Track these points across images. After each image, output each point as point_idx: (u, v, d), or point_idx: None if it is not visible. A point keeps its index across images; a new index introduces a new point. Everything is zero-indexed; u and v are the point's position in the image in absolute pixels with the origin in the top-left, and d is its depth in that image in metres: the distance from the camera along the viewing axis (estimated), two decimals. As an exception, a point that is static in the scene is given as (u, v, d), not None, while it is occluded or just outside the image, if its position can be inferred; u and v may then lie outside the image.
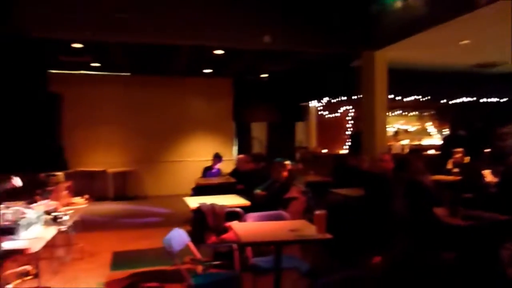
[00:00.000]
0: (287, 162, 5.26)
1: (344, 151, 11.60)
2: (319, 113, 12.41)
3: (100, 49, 8.27)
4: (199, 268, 4.38)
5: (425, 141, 12.56)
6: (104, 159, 10.70)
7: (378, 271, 2.49)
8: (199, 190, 6.98)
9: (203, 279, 3.37)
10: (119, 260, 5.23)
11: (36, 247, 2.72)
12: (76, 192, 5.10)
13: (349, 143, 11.35)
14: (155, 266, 4.83)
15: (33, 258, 4.17)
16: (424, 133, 13.03)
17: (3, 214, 2.85)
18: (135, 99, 10.98)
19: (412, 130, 12.99)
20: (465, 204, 3.75)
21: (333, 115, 12.19)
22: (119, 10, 6.46)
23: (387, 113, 7.96)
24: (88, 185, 9.63)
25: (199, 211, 4.50)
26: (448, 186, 6.19)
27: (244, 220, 3.92)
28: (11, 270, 4.28)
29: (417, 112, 13.03)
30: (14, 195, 3.80)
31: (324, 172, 7.74)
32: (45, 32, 6.61)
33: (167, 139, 11.35)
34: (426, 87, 10.73)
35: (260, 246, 3.95)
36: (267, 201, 4.94)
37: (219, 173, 8.14)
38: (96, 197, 8.05)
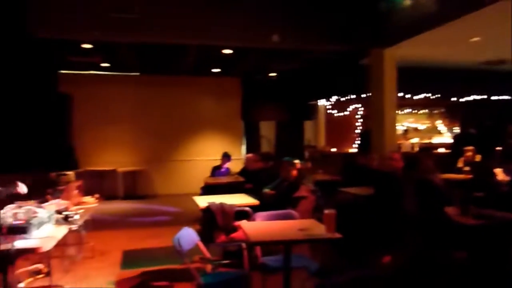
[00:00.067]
0: (296, 161, 5.24)
1: (353, 149, 11.55)
2: (328, 111, 12.37)
3: (109, 50, 8.33)
4: (209, 267, 4.39)
5: (435, 140, 12.45)
6: (114, 159, 10.78)
7: (388, 270, 2.47)
8: (208, 189, 7.00)
9: (212, 278, 3.38)
10: (129, 258, 5.27)
11: (47, 246, 2.75)
12: (87, 192, 5.15)
13: (358, 142, 11.30)
14: (164, 265, 4.85)
15: (44, 256, 4.23)
16: (434, 131, 12.92)
17: (16, 213, 2.88)
18: (144, 99, 11.05)
19: (422, 128, 12.89)
20: (476, 203, 3.71)
21: (342, 113, 12.14)
22: (127, 11, 6.50)
23: (397, 111, 7.90)
24: (98, 184, 9.73)
25: (208, 210, 4.52)
26: (459, 184, 6.12)
27: (253, 219, 3.92)
28: (23, 268, 4.34)
29: (427, 110, 12.93)
30: (25, 194, 3.85)
31: (333, 171, 7.71)
32: (54, 33, 6.68)
33: (176, 139, 11.41)
34: (435, 84, 10.64)
35: (269, 245, 3.94)
36: (276, 200, 4.93)
37: (228, 172, 8.16)
38: (106, 196, 8.12)
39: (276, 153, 11.11)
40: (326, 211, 3.06)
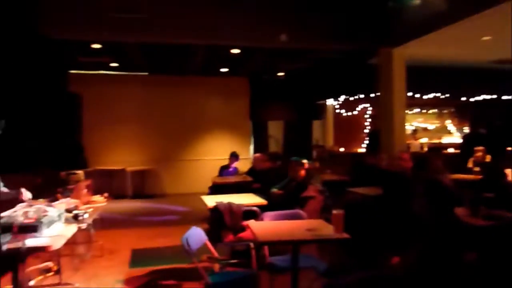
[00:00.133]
0: (304, 161, 5.24)
1: (362, 149, 11.49)
2: (336, 111, 12.32)
3: (118, 50, 8.39)
4: (216, 267, 4.40)
5: (445, 139, 12.34)
6: (123, 158, 10.85)
7: (396, 271, 2.46)
8: (216, 189, 7.02)
9: (220, 277, 3.39)
10: (137, 257, 5.31)
11: (57, 244, 2.77)
12: (96, 191, 5.19)
13: (367, 142, 11.23)
14: (173, 264, 4.88)
15: (54, 255, 4.28)
16: (444, 131, 12.81)
17: (26, 212, 2.91)
18: (153, 99, 11.11)
19: (431, 128, 12.79)
20: (486, 204, 3.68)
21: (351, 113, 12.08)
22: (136, 11, 6.53)
23: (406, 111, 7.84)
24: (107, 183, 9.80)
25: (216, 210, 4.53)
26: (469, 185, 6.06)
27: (261, 219, 3.92)
28: (34, 266, 4.39)
29: (436, 110, 12.82)
30: (36, 193, 3.89)
31: (341, 171, 7.69)
32: (64, 34, 6.75)
33: (184, 138, 11.45)
34: (445, 84, 10.55)
35: (277, 245, 3.94)
36: (284, 200, 4.93)
37: (235, 172, 8.17)
38: (115, 195, 8.19)
39: (284, 153, 11.10)
40: (334, 212, 3.05)
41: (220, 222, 4.44)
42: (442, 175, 3.30)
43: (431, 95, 11.06)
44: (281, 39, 7.07)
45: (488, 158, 7.07)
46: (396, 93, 7.41)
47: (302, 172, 5.12)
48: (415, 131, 12.01)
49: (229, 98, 11.73)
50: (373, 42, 7.48)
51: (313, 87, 11.60)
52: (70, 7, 6.50)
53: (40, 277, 4.32)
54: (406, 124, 8.02)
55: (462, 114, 12.65)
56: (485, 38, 6.88)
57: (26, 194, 3.14)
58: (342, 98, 11.70)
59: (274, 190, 5.29)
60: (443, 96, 11.16)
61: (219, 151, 10.94)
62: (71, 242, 4.85)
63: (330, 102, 12.32)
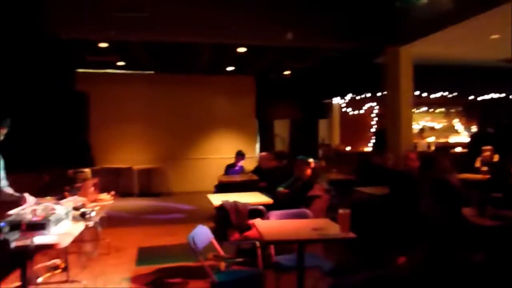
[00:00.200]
0: (310, 160, 5.22)
1: (368, 148, 11.45)
2: (343, 110, 12.28)
3: (125, 49, 8.43)
4: (222, 265, 4.41)
5: (452, 139, 12.26)
6: (130, 156, 10.91)
7: (402, 271, 2.45)
8: (221, 188, 7.03)
9: (226, 276, 3.40)
10: (144, 255, 5.34)
11: (65, 242, 2.79)
12: (102, 189, 5.22)
13: (373, 141, 11.19)
14: (179, 262, 4.90)
15: (62, 252, 4.31)
16: (451, 130, 12.73)
17: (34, 209, 2.94)
18: (159, 97, 11.15)
19: (438, 127, 12.71)
20: (494, 204, 3.65)
21: (357, 112, 12.04)
22: (142, 10, 6.56)
23: (413, 110, 7.80)
24: (114, 181, 9.86)
25: (222, 209, 4.54)
26: (476, 185, 6.03)
27: (267, 218, 3.93)
28: (42, 263, 4.43)
29: (443, 109, 12.74)
30: (44, 191, 3.93)
31: (347, 170, 7.67)
32: (72, 33, 6.79)
33: (190, 137, 11.48)
34: (453, 83, 10.47)
35: (283, 244, 3.94)
36: (290, 199, 4.92)
37: (241, 170, 8.17)
38: (122, 194, 8.22)
39: (290, 152, 11.10)
40: (340, 211, 3.05)
41: (226, 221, 4.46)
42: (449, 174, 3.28)
43: (438, 94, 10.99)
44: (287, 37, 7.07)
45: (496, 157, 7.02)
46: (403, 92, 7.37)
47: (308, 171, 5.11)
48: (422, 130, 11.94)
49: (235, 96, 11.74)
50: (380, 40, 7.45)
51: (319, 86, 11.58)
52: (77, 7, 6.55)
53: (48, 274, 4.36)
54: (413, 123, 7.98)
55: (470, 113, 12.56)
56: (493, 36, 6.82)
57: (29, 200, 3.16)
58: (348, 97, 11.66)
59: (280, 189, 5.29)
60: (450, 95, 11.08)
61: (225, 149, 10.95)
62: (79, 240, 4.89)
63: (336, 101, 12.28)
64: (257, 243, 4.15)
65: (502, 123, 9.84)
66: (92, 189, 4.70)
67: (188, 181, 11.17)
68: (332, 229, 3.17)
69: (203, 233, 3.34)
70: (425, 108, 12.45)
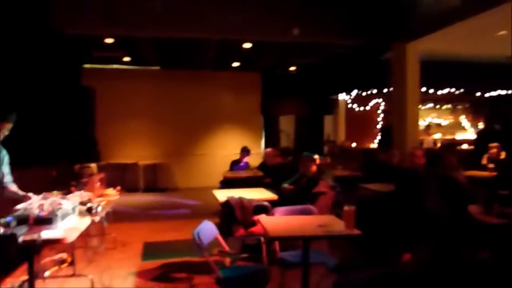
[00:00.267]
0: (315, 156, 5.21)
1: (374, 145, 11.42)
2: (348, 106, 12.24)
3: (131, 44, 8.44)
4: (227, 261, 4.43)
5: (459, 136, 12.19)
6: (135, 152, 10.96)
7: (408, 268, 2.45)
8: (227, 183, 7.05)
9: (231, 271, 3.41)
10: (150, 250, 5.37)
11: (71, 236, 2.81)
12: (108, 184, 5.25)
13: (379, 137, 11.16)
14: (184, 258, 4.92)
15: (69, 246, 4.35)
16: (458, 127, 12.66)
17: (41, 204, 2.96)
18: (165, 93, 11.17)
19: (445, 124, 12.63)
20: (500, 202, 3.63)
21: (363, 108, 11.99)
22: (149, 6, 6.56)
23: (419, 106, 7.76)
24: (120, 177, 9.91)
25: (227, 205, 4.55)
26: (483, 182, 5.98)
27: (272, 214, 3.93)
28: (49, 257, 4.47)
29: (450, 105, 12.67)
30: (51, 186, 3.95)
31: (352, 167, 7.64)
32: (78, 29, 6.80)
33: (196, 133, 11.51)
34: (460, 79, 10.40)
35: (288, 241, 3.95)
36: (295, 195, 4.92)
37: (246, 166, 8.18)
38: (127, 189, 8.26)
39: (295, 148, 11.10)
40: (345, 208, 3.05)
41: (231, 217, 4.47)
42: (455, 172, 3.27)
43: (445, 91, 10.92)
44: (293, 33, 7.04)
45: (502, 154, 6.96)
46: (410, 89, 7.33)
47: (313, 168, 5.10)
48: (428, 127, 11.89)
49: (241, 92, 11.73)
50: (387, 36, 7.40)
51: (325, 82, 11.54)
52: (83, 3, 6.56)
53: (55, 268, 4.40)
54: (419, 119, 7.93)
55: (476, 109, 12.48)
56: (501, 33, 6.75)
57: (34, 199, 3.18)
58: (354, 93, 11.62)
59: (285, 185, 5.29)
60: (457, 92, 11.01)
61: (231, 145, 10.97)
62: (85, 235, 4.93)
63: (342, 97, 12.24)
64: (262, 239, 4.16)
65: (509, 120, 9.76)
66: (98, 184, 4.72)
67: (193, 176, 11.20)
68: (337, 225, 3.16)
69: (208, 229, 3.35)
70: (431, 105, 12.38)
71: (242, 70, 11.38)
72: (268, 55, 9.58)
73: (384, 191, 5.06)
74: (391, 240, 3.48)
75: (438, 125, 12.50)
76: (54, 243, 2.88)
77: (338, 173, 7.03)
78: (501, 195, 3.76)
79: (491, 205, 3.57)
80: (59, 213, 2.92)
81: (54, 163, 6.66)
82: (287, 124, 12.81)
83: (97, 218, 3.68)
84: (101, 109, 10.52)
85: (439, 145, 10.94)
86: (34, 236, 2.62)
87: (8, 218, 2.69)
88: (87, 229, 3.67)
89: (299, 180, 5.23)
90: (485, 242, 2.72)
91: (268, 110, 12.02)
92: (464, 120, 12.71)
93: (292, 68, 11.42)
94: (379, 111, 11.81)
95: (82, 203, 3.54)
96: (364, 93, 11.39)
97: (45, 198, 3.15)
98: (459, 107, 12.69)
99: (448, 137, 11.95)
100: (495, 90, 11.20)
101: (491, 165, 6.77)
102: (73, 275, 4.31)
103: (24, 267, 3.19)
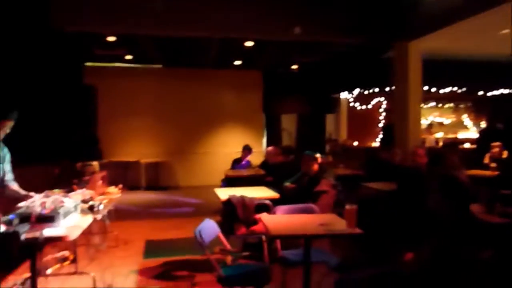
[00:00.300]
0: (317, 155, 5.21)
1: (376, 144, 11.40)
2: (350, 105, 12.23)
3: (133, 42, 8.45)
4: (229, 259, 4.44)
5: (461, 134, 12.17)
6: (137, 150, 10.97)
7: (409, 267, 2.45)
8: (228, 182, 7.05)
9: (232, 270, 3.42)
10: (151, 248, 5.38)
11: (73, 234, 2.82)
12: (110, 182, 5.25)
13: (381, 136, 11.14)
14: (186, 256, 4.93)
15: (71, 244, 4.36)
16: (460, 126, 12.63)
17: (44, 202, 2.97)
18: (167, 91, 11.17)
19: (447, 122, 12.61)
20: (502, 201, 3.62)
21: (365, 107, 11.98)
22: (150, 4, 6.56)
23: (421, 105, 7.74)
24: (122, 175, 9.92)
25: (229, 203, 4.55)
26: (485, 181, 5.97)
27: (274, 213, 3.93)
28: (51, 255, 4.49)
29: (452, 104, 12.64)
30: (53, 184, 3.96)
31: (354, 165, 7.64)
32: (80, 27, 6.81)
33: (198, 131, 11.51)
34: (462, 78, 10.38)
35: (289, 239, 3.95)
36: (296, 194, 4.93)
37: (248, 165, 8.18)
38: (129, 187, 8.26)
39: (297, 147, 11.10)
40: (347, 207, 3.05)
41: (233, 215, 4.47)
42: (457, 171, 3.26)
43: (447, 89, 10.89)
44: (295, 32, 7.03)
45: (505, 154, 6.95)
46: (412, 87, 7.32)
47: (315, 166, 5.09)
48: (430, 126, 11.86)
49: (243, 91, 11.73)
50: (389, 35, 7.39)
51: (327, 81, 11.53)
52: (85, 0, 6.56)
53: (57, 266, 4.42)
54: (421, 118, 7.92)
55: (479, 108, 12.45)
56: (504, 31, 6.72)
57: (36, 198, 3.18)
58: (356, 91, 11.61)
59: (287, 184, 5.29)
60: (460, 90, 10.98)
61: (232, 144, 10.97)
62: (87, 232, 4.94)
63: (344, 95, 12.23)
64: (264, 238, 4.16)
65: (511, 119, 9.74)
66: (100, 182, 4.73)
67: (195, 175, 11.21)
68: (339, 224, 3.17)
69: (210, 227, 3.35)
70: (433, 103, 12.36)
71: (244, 69, 11.39)
72: (270, 54, 9.57)
73: (386, 190, 5.06)
74: (392, 239, 3.48)
75: (440, 124, 12.48)
76: (56, 241, 2.89)
77: (339, 172, 7.03)
78: (503, 194, 3.75)
79: (493, 204, 3.57)
80: (61, 211, 2.93)
81: (56, 161, 6.67)
82: (289, 123, 12.81)
83: (99, 216, 3.69)
84: (103, 107, 10.53)
85: (441, 144, 10.92)
86: (37, 234, 2.63)
87: (11, 216, 2.70)
88: (89, 227, 3.67)
89: (300, 178, 5.23)
90: (487, 242, 2.72)
91: (270, 108, 12.02)
92: (466, 119, 12.69)
93: (294, 67, 11.41)
94: (381, 110, 11.79)
95: (84, 201, 3.55)
96: (366, 92, 11.38)
97: (47, 196, 3.16)
98: (461, 106, 12.66)
99: (450, 136, 11.93)
100: (497, 89, 11.17)
101: (493, 164, 6.77)
102: (75, 273, 4.32)
103: (26, 265, 3.20)
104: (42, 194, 3.24)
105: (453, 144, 10.69)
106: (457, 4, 5.87)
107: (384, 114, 11.73)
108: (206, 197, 8.41)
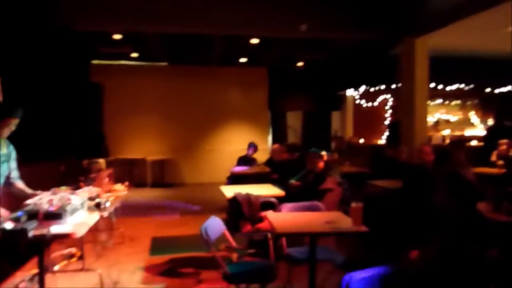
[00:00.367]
0: (323, 153, 5.20)
1: (382, 141, 11.35)
2: (356, 102, 12.18)
3: (139, 40, 8.47)
4: (234, 256, 4.45)
5: (468, 132, 12.07)
6: (143, 147, 11.02)
7: (415, 266, 2.44)
8: (234, 179, 7.06)
9: (238, 267, 3.42)
10: (157, 245, 5.41)
11: (81, 231, 2.84)
12: (116, 179, 5.28)
13: (387, 133, 11.09)
14: (191, 253, 4.95)
15: (78, 241, 4.40)
16: (467, 123, 12.54)
17: (51, 199, 2.99)
18: (172, 89, 11.20)
19: (453, 120, 12.52)
20: (510, 199, 3.59)
21: (371, 104, 11.92)
22: (156, 1, 6.57)
23: (428, 102, 7.69)
24: (128, 172, 9.98)
25: (234, 201, 4.56)
26: (492, 179, 5.93)
27: (279, 210, 3.93)
28: (58, 252, 4.53)
29: (459, 101, 12.54)
30: (59, 181, 3.99)
31: (360, 163, 7.62)
32: (86, 25, 6.83)
33: (203, 128, 11.53)
34: (470, 75, 10.29)
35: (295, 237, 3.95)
36: (302, 191, 4.92)
37: (254, 162, 8.18)
38: (135, 184, 8.30)
39: (302, 144, 11.07)
40: (353, 204, 3.04)
41: (238, 213, 4.48)
42: (464, 169, 3.24)
43: (454, 86, 10.81)
44: (301, 29, 7.00)
45: (512, 151, 6.90)
46: (418, 84, 7.26)
47: (321, 164, 5.08)
48: (437, 123, 11.78)
49: (248, 88, 11.72)
50: (396, 31, 7.33)
51: (333, 78, 11.49)
52: (92, -2, 6.59)
53: (64, 262, 4.46)
54: (428, 115, 7.87)
55: (486, 105, 12.34)
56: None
57: (43, 195, 3.20)
58: (362, 88, 11.55)
59: (292, 181, 5.29)
60: (467, 87, 10.89)
61: (238, 141, 10.98)
62: (94, 229, 4.98)
63: (350, 92, 12.17)
64: (269, 235, 4.17)
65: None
66: (106, 179, 4.75)
67: (201, 172, 11.25)
68: (345, 222, 3.16)
69: (215, 224, 3.36)
70: (440, 100, 12.27)
71: (249, 66, 11.37)
72: (275, 51, 9.55)
73: (392, 187, 5.03)
74: (398, 237, 3.47)
75: (447, 121, 12.39)
76: (63, 238, 2.91)
77: (345, 170, 7.01)
78: (510, 192, 3.72)
79: (500, 202, 3.54)
80: (68, 208, 2.95)
81: (62, 158, 6.71)
82: (294, 120, 12.79)
83: (105, 213, 3.71)
84: (110, 105, 10.58)
85: (447, 141, 10.85)
86: (44, 231, 2.64)
87: (19, 213, 2.72)
88: (96, 224, 3.70)
89: (306, 176, 5.23)
90: (493, 240, 2.70)
91: (275, 105, 12.00)
92: (473, 116, 12.59)
93: (300, 64, 11.37)
94: (387, 107, 11.72)
95: (91, 199, 3.56)
96: (372, 89, 11.32)
97: (54, 194, 3.18)
98: (469, 103, 12.56)
99: (457, 133, 11.84)
100: (505, 86, 11.06)
101: (500, 162, 6.72)
102: (82, 270, 4.36)
103: (34, 261, 3.23)
104: (49, 192, 3.26)
105: (460, 142, 10.61)
106: (465, 0, 5.81)
107: (390, 111, 11.66)
108: (211, 195, 8.41)
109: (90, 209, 3.40)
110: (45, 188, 3.34)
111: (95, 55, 9.90)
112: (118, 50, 9.24)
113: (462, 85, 10.81)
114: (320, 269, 3.25)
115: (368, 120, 11.91)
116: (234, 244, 3.61)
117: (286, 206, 3.90)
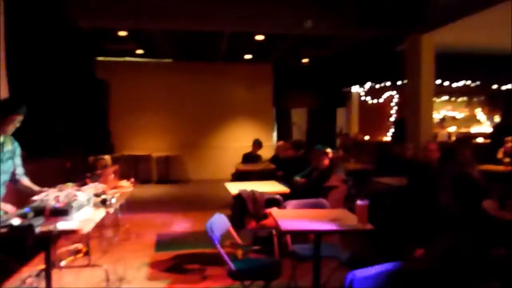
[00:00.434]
0: (328, 150, 5.19)
1: (387, 138, 11.31)
2: (362, 98, 12.14)
3: (144, 37, 8.48)
4: (239, 252, 4.46)
5: (474, 129, 11.99)
6: (149, 144, 11.06)
7: (420, 264, 2.44)
8: (239, 176, 7.07)
9: (243, 263, 3.43)
10: (162, 242, 5.43)
11: (86, 228, 2.86)
12: (122, 176, 5.30)
13: (393, 130, 11.05)
14: (197, 249, 4.98)
15: (84, 237, 4.43)
16: (473, 120, 12.45)
17: (57, 196, 3.01)
18: (177, 85, 11.21)
19: (460, 116, 12.44)
20: (516, 197, 3.57)
21: (376, 101, 11.87)
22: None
23: (434, 99, 7.65)
24: (133, 168, 10.03)
25: (239, 197, 4.57)
26: (498, 177, 5.90)
27: (284, 207, 3.94)
28: (64, 248, 4.57)
29: (465, 98, 12.45)
30: (65, 177, 4.02)
31: (365, 160, 7.60)
32: (91, 22, 6.85)
33: (208, 125, 11.55)
34: (476, 71, 10.22)
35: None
36: (307, 188, 4.92)
37: (259, 159, 8.18)
38: (141, 180, 8.34)
39: (307, 141, 11.06)
40: (358, 202, 3.03)
41: (243, 209, 4.49)
42: (470, 166, 3.22)
43: (460, 83, 10.74)
44: (306, 26, 6.97)
45: (519, 149, 6.85)
46: (424, 81, 7.23)
47: (326, 161, 5.08)
48: (443, 120, 11.71)
49: (253, 84, 11.70)
50: (402, 28, 7.29)
51: (338, 74, 11.45)
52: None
53: (71, 258, 4.50)
54: (433, 112, 7.83)
55: (493, 102, 12.25)
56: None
57: (50, 192, 3.22)
58: (367, 85, 11.50)
59: (297, 178, 5.29)
60: (473, 84, 10.82)
61: (243, 138, 10.98)
62: (100, 225, 5.00)
63: (355, 89, 12.13)
64: (274, 232, 4.18)
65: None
66: (112, 176, 4.77)
67: (206, 168, 11.27)
68: (350, 219, 3.15)
69: (220, 221, 3.37)
70: (446, 97, 12.18)
71: (254, 62, 11.36)
72: (280, 48, 9.53)
73: (397, 185, 5.02)
74: (403, 235, 3.46)
75: (453, 118, 12.31)
76: (69, 234, 2.93)
77: (350, 167, 6.99)
78: (516, 190, 3.70)
79: (506, 200, 3.52)
80: (74, 204, 2.97)
81: (68, 155, 6.75)
82: (299, 117, 12.77)
83: (111, 210, 3.73)
84: (115, 102, 10.62)
85: (453, 138, 10.79)
86: (51, 227, 2.67)
87: (26, 209, 2.75)
88: (102, 221, 3.72)
89: (311, 173, 5.23)
90: (499, 238, 2.69)
91: (280, 102, 11.99)
92: (479, 113, 12.50)
93: (305, 60, 11.34)
94: (392, 104, 11.68)
95: (97, 195, 3.58)
96: (377, 86, 11.27)
97: (60, 190, 3.20)
98: (475, 99, 12.46)
99: (463, 130, 11.77)
100: (512, 82, 10.98)
101: (507, 159, 6.68)
102: (88, 265, 4.39)
103: (41, 257, 3.26)
104: (56, 188, 3.29)
105: (466, 139, 10.53)
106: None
107: (395, 108, 11.61)
108: (217, 191, 8.44)
109: (96, 205, 3.43)
110: (51, 184, 3.36)
111: (101, 52, 9.93)
112: (123, 47, 9.26)
113: (469, 82, 10.74)
114: (325, 266, 3.26)
115: (373, 117, 11.86)
116: (239, 240, 3.63)
117: (291, 203, 3.90)
